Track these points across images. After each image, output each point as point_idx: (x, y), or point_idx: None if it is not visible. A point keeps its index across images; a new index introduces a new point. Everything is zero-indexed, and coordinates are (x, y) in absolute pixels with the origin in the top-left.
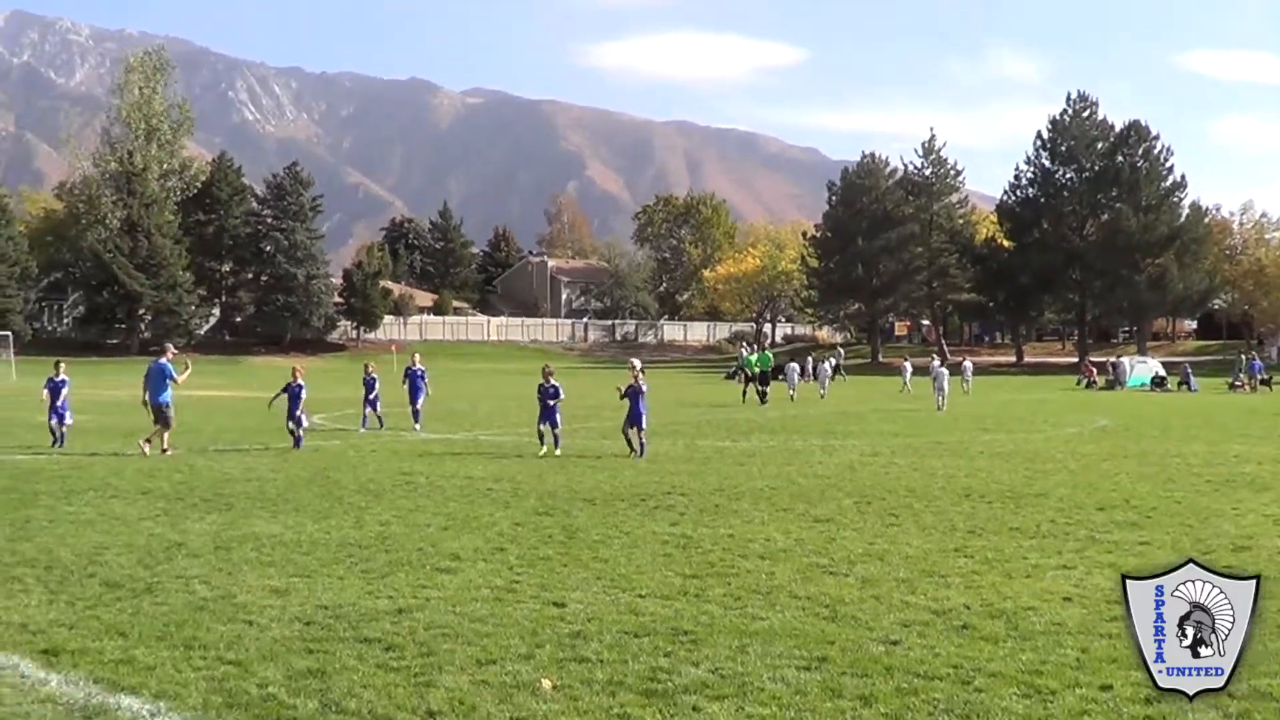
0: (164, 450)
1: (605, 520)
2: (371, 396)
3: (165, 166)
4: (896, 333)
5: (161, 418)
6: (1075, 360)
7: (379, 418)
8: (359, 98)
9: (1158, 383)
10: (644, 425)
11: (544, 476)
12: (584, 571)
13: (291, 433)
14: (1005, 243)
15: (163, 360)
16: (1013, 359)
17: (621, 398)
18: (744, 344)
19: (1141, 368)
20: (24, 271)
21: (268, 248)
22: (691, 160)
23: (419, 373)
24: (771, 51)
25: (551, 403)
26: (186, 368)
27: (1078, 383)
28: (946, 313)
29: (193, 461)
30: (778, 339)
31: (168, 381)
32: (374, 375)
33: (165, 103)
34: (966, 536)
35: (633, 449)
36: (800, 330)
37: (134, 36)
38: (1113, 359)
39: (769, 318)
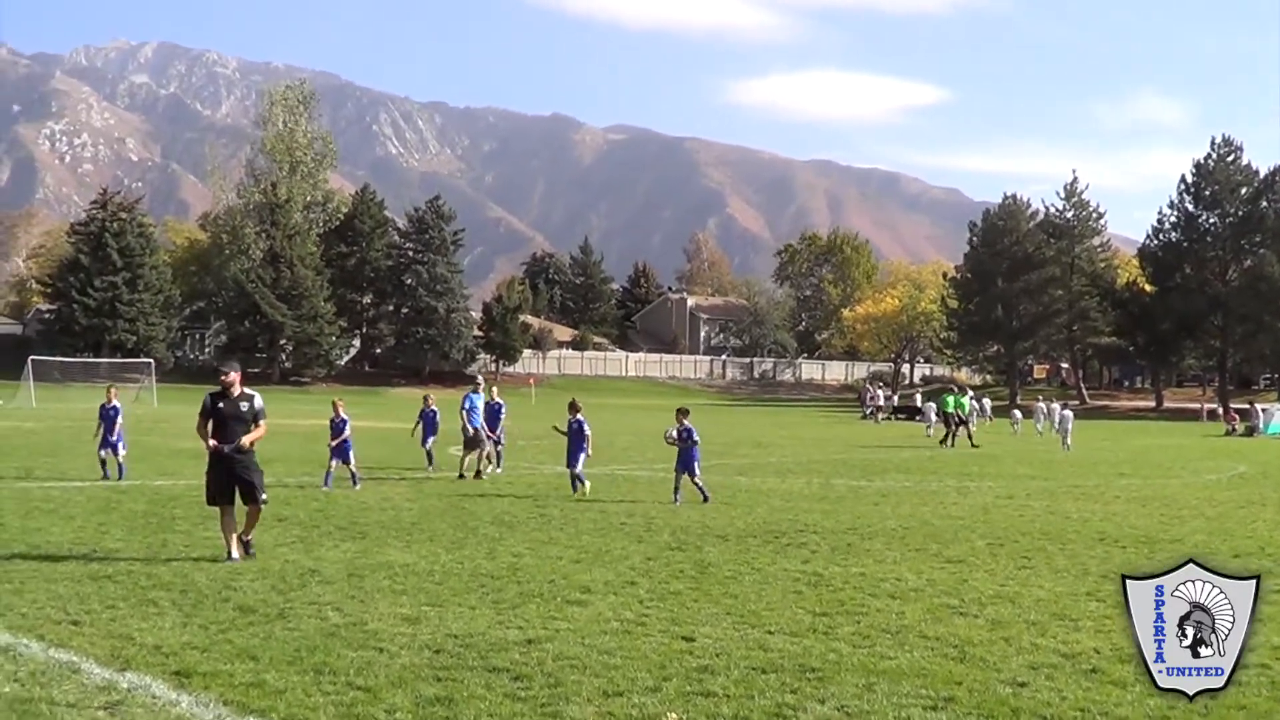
0: (476, 473)
1: (737, 556)
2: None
3: (308, 198)
4: (1035, 375)
5: (474, 443)
6: (1215, 407)
7: (428, 454)
8: (502, 133)
9: None
10: (697, 471)
11: (678, 512)
12: (714, 607)
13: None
14: (1147, 287)
15: (475, 395)
16: (1152, 404)
17: (670, 443)
18: (880, 384)
19: None
20: (167, 300)
21: (409, 280)
22: (832, 199)
23: (432, 414)
24: (914, 91)
25: (577, 440)
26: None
27: (1228, 431)
28: (1086, 356)
29: (329, 490)
30: (915, 380)
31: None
32: (434, 409)
33: (308, 135)
34: (1099, 580)
35: (702, 493)
36: (939, 371)
37: (280, 69)
38: (1241, 405)
39: (908, 358)
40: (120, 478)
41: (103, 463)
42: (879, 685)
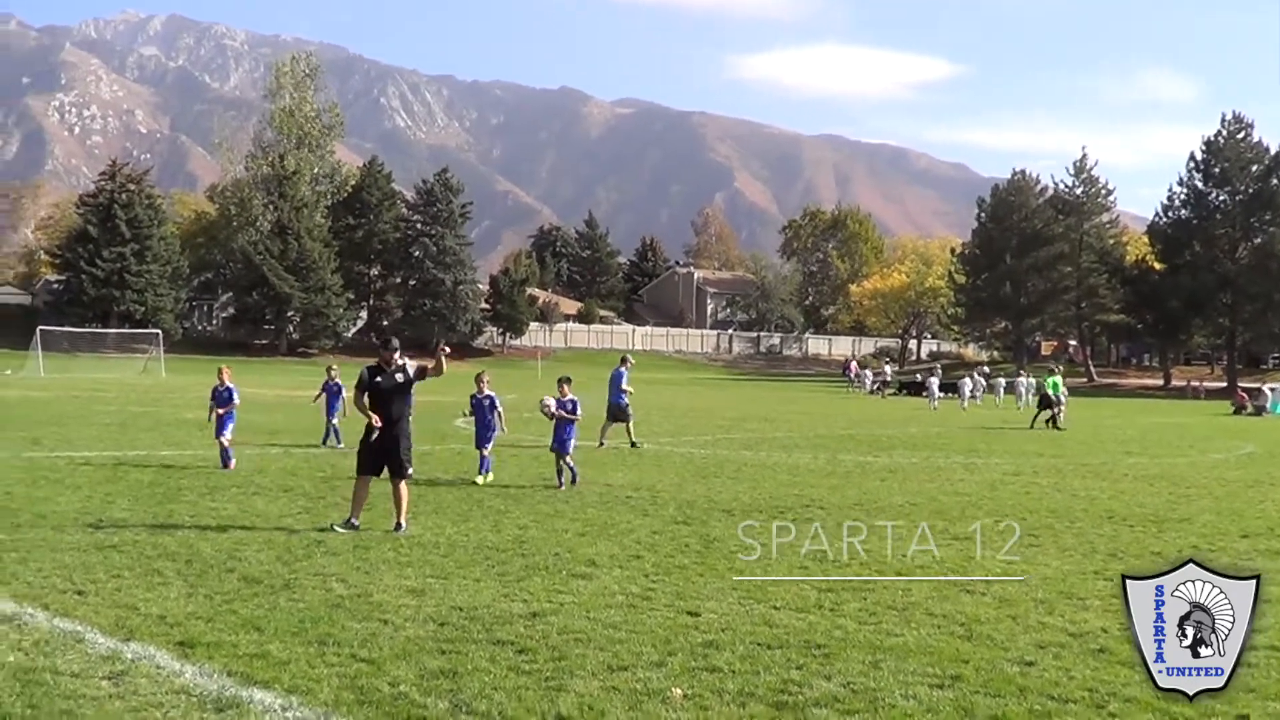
0: (633, 443)
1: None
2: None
3: (316, 170)
4: (1042, 352)
5: (620, 415)
6: (1224, 385)
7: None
8: (510, 106)
9: None
10: (568, 450)
11: (683, 485)
12: (719, 581)
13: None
14: (1156, 264)
15: (621, 369)
16: (1160, 382)
17: (548, 416)
18: (888, 359)
19: None
20: (175, 271)
21: (416, 253)
22: (840, 174)
23: (336, 387)
24: (922, 66)
25: (488, 418)
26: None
27: (1236, 409)
28: (1094, 333)
29: (335, 461)
30: (923, 355)
31: (624, 387)
32: (338, 382)
33: (316, 107)
34: (1107, 559)
35: (561, 477)
36: (946, 347)
37: (288, 42)
38: (1251, 384)
39: (915, 334)
40: None
41: None
42: (885, 662)
